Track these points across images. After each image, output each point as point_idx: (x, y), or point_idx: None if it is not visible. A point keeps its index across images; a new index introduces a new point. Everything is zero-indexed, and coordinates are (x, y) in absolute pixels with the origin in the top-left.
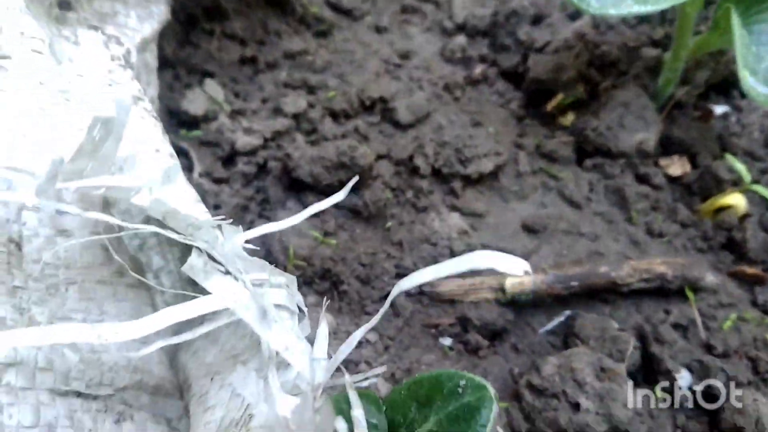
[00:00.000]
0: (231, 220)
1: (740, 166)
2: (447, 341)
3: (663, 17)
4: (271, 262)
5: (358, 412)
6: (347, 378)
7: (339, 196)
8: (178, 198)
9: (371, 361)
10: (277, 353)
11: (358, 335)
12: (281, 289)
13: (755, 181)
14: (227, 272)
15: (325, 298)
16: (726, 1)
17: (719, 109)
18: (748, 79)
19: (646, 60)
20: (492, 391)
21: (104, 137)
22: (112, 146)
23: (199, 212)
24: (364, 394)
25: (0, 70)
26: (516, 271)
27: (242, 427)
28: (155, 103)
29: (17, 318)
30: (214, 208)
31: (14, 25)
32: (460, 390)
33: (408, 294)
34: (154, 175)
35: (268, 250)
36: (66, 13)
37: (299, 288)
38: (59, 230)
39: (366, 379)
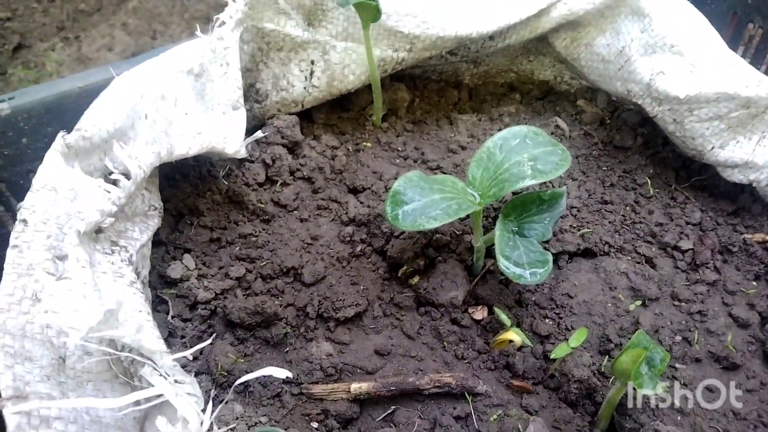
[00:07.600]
0: (169, 350)
1: (504, 316)
2: (315, 425)
3: None
4: (208, 372)
5: None
6: (215, 428)
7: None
8: (146, 337)
9: None
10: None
11: (228, 397)
12: (191, 384)
13: (518, 325)
14: (164, 376)
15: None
16: (504, 211)
17: None
18: (502, 262)
19: (465, 243)
20: None
21: (109, 316)
22: (115, 320)
23: (156, 345)
24: None
25: (66, 281)
26: (281, 376)
27: None
28: (146, 277)
29: (60, 397)
30: (181, 338)
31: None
32: None
33: (292, 393)
34: (134, 328)
35: (207, 366)
36: (98, 235)
37: (223, 390)
38: (85, 352)
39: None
